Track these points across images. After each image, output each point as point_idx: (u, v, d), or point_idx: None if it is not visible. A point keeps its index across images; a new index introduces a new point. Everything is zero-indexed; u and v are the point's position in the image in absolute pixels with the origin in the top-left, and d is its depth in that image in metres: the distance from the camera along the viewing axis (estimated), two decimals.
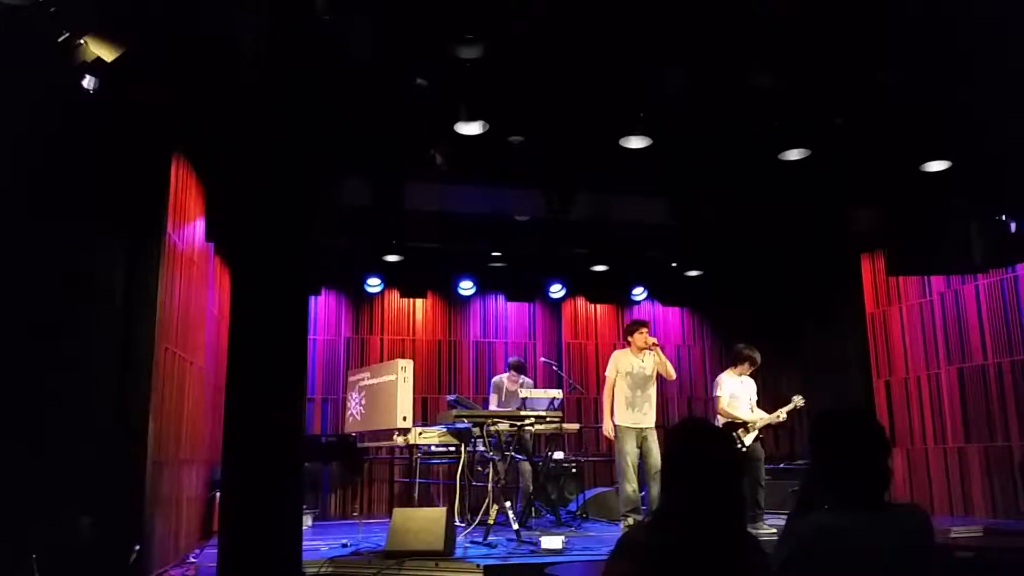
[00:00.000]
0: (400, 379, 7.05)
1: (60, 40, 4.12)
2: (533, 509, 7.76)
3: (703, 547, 2.02)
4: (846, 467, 2.23)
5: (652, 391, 7.04)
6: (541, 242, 8.60)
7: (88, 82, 4.28)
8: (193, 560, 5.76)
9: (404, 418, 7.00)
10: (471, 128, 5.92)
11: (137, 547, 4.50)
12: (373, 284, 10.01)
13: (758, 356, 7.20)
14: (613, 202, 7.74)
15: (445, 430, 7.04)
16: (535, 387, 8.79)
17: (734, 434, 6.89)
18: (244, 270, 4.28)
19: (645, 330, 7.16)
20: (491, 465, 6.81)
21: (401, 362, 7.20)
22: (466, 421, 6.75)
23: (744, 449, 6.90)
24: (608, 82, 5.65)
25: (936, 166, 6.60)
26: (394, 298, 10.39)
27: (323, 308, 10.15)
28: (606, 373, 7.16)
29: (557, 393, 7.99)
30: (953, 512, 8.10)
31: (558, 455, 8.75)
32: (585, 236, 8.42)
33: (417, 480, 7.75)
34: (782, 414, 7.11)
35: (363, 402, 8.11)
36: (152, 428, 4.85)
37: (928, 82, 5.52)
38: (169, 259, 5.24)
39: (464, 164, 6.52)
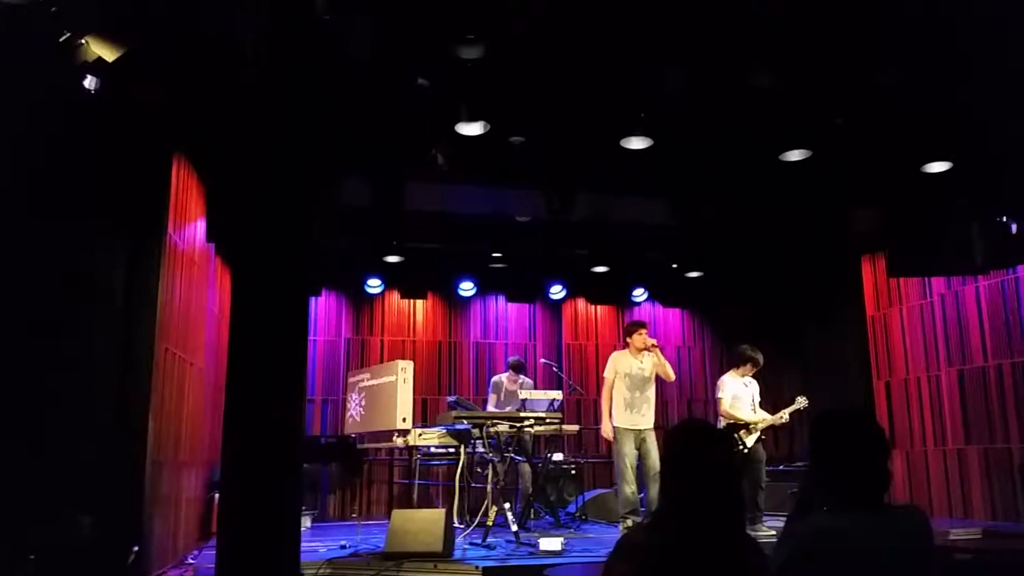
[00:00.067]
0: (400, 380, 7.05)
1: (61, 40, 4.12)
2: (532, 511, 7.76)
3: (702, 548, 2.02)
4: (845, 468, 2.23)
5: (651, 392, 7.03)
6: (542, 243, 8.60)
7: (89, 82, 4.28)
8: (192, 561, 5.75)
9: (404, 419, 6.99)
10: (472, 128, 5.92)
11: (136, 548, 4.50)
12: (373, 285, 10.00)
13: (760, 357, 7.19)
14: (613, 203, 7.74)
15: (445, 431, 7.04)
16: (535, 387, 8.79)
17: (735, 435, 6.89)
18: (244, 270, 4.28)
19: (644, 331, 7.15)
20: (490, 466, 6.80)
21: (401, 363, 7.19)
22: (466, 422, 6.75)
23: (746, 450, 6.90)
24: (608, 82, 5.65)
25: (937, 167, 6.60)
26: (394, 299, 10.39)
27: (323, 309, 10.14)
28: (605, 374, 7.15)
29: (557, 394, 7.99)
30: (952, 514, 8.09)
31: (557, 456, 8.74)
32: (585, 237, 8.42)
33: (416, 481, 7.75)
34: (785, 415, 7.10)
35: (363, 403, 8.10)
36: (151, 428, 4.85)
37: (928, 82, 5.52)
38: (170, 259, 5.24)
39: (465, 164, 6.52)
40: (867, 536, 2.13)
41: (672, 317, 11.39)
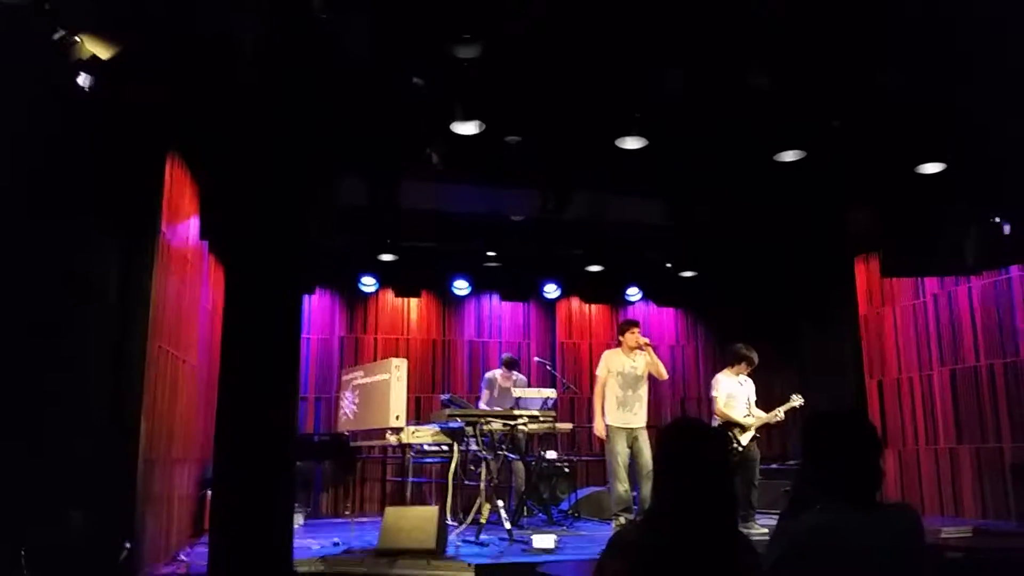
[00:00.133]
0: (394, 378, 7.04)
1: (56, 38, 4.11)
2: (525, 508, 7.76)
3: (695, 546, 2.03)
4: (838, 467, 2.24)
5: (643, 391, 7.05)
6: (536, 242, 8.61)
7: (83, 80, 4.27)
8: (184, 558, 5.74)
9: (397, 417, 6.99)
10: (467, 128, 5.91)
11: (128, 545, 4.49)
12: (368, 283, 10.00)
13: (755, 356, 7.21)
14: (608, 202, 7.74)
15: (438, 429, 7.04)
16: (528, 385, 8.80)
17: (729, 434, 6.91)
18: (238, 269, 4.28)
19: (637, 330, 7.17)
20: (484, 464, 6.81)
21: (395, 361, 7.19)
22: (459, 420, 6.75)
23: (740, 449, 6.91)
24: (605, 82, 5.65)
25: (931, 168, 6.62)
26: (389, 297, 10.39)
27: (317, 307, 10.13)
28: (597, 372, 7.17)
29: (551, 393, 7.99)
30: (944, 513, 8.13)
31: (551, 455, 8.75)
32: (580, 236, 8.43)
33: (410, 479, 7.75)
34: (780, 413, 7.11)
35: (356, 401, 8.09)
36: (144, 426, 4.84)
37: (924, 84, 5.53)
38: (163, 257, 5.23)
39: (460, 164, 6.52)
40: (859, 534, 2.14)
41: (666, 316, 11.41)
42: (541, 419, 7.13)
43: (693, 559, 2.01)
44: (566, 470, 8.90)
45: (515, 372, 8.72)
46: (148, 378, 4.89)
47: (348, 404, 8.37)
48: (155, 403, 5.14)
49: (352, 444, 8.55)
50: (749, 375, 7.28)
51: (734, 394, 7.11)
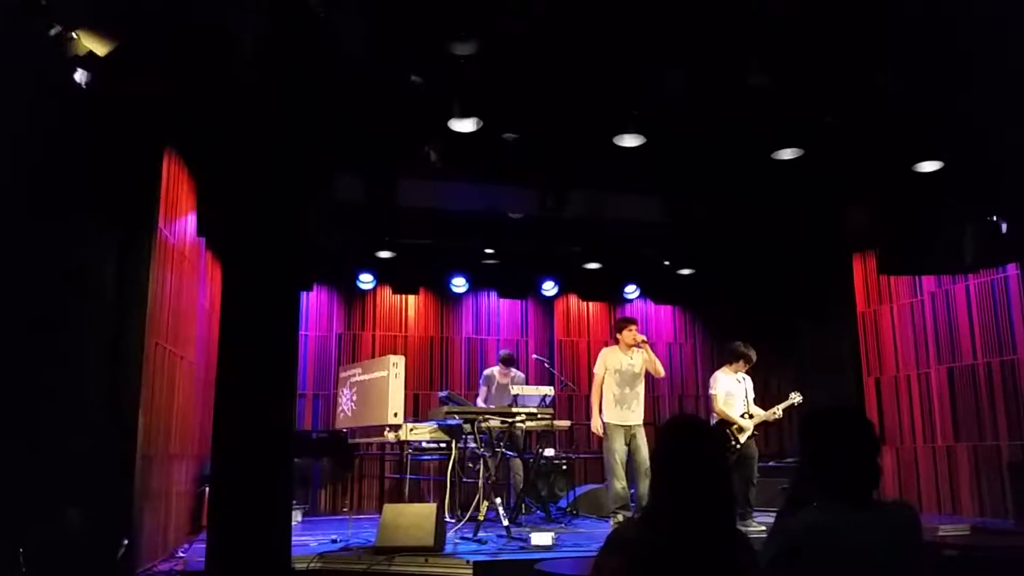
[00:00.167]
0: (391, 375, 7.04)
1: (52, 34, 4.10)
2: (523, 506, 7.77)
3: (692, 543, 2.03)
4: (836, 465, 2.24)
5: (640, 388, 7.06)
6: (534, 239, 8.61)
7: (80, 76, 4.26)
8: (182, 555, 5.74)
9: (395, 414, 6.99)
10: (465, 125, 5.91)
11: (126, 541, 4.49)
12: (366, 280, 10.00)
13: (753, 354, 7.21)
14: (606, 200, 7.74)
15: (436, 426, 7.04)
16: (526, 382, 8.80)
17: (728, 431, 6.92)
18: (236, 266, 4.27)
19: (634, 327, 7.17)
20: (482, 461, 6.81)
21: (393, 358, 7.19)
22: (457, 417, 6.75)
23: (738, 447, 6.92)
24: (603, 80, 5.64)
25: (929, 166, 6.62)
26: (386, 294, 10.39)
27: (315, 304, 10.13)
28: (595, 370, 7.18)
29: (548, 390, 7.99)
30: (941, 511, 8.14)
31: (549, 452, 8.76)
32: (578, 234, 8.42)
33: (408, 476, 7.76)
34: (778, 411, 7.11)
35: (354, 398, 8.09)
36: (142, 422, 4.84)
37: (922, 83, 5.53)
38: (160, 253, 5.22)
39: (458, 161, 6.52)
40: (857, 532, 2.14)
41: (664, 314, 11.41)
42: (539, 416, 7.13)
43: (691, 557, 2.02)
44: (564, 467, 8.91)
45: (513, 369, 8.72)
46: (145, 374, 4.89)
47: (346, 401, 8.37)
48: (153, 399, 5.13)
49: (350, 441, 8.54)
50: (747, 373, 7.29)
51: (733, 392, 7.11)
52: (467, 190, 7.49)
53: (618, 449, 6.80)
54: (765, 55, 5.15)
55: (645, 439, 6.88)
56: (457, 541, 6.06)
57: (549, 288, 10.71)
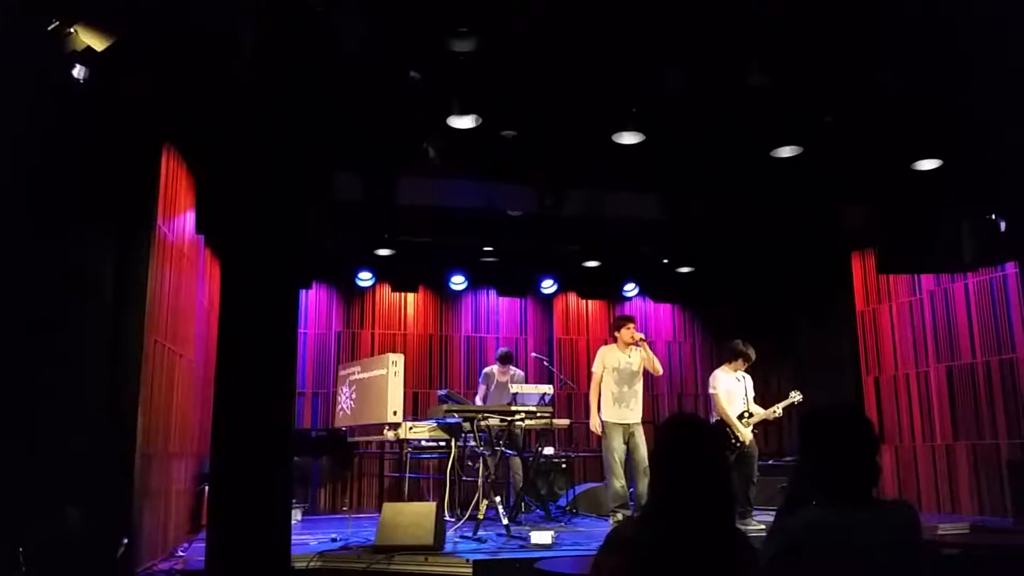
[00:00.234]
0: (391, 373, 7.04)
1: (49, 29, 4.09)
2: (523, 504, 7.77)
3: (692, 542, 2.03)
4: (835, 463, 2.24)
5: (639, 387, 7.06)
6: (533, 237, 8.60)
7: (78, 72, 4.25)
8: (182, 554, 5.74)
9: (394, 413, 6.99)
10: (464, 122, 5.90)
11: (125, 540, 4.48)
12: (365, 278, 9.99)
13: (752, 352, 7.21)
14: (606, 198, 7.74)
15: (435, 425, 7.04)
16: (525, 380, 8.80)
17: (727, 430, 6.91)
18: (235, 264, 4.27)
19: (632, 325, 7.18)
20: (481, 460, 6.81)
21: (392, 356, 7.19)
22: (457, 416, 6.75)
23: (738, 445, 6.91)
24: (602, 78, 5.64)
25: (928, 165, 6.62)
26: (385, 292, 10.38)
27: (314, 302, 10.12)
28: (593, 368, 7.18)
29: (548, 389, 7.99)
30: (940, 509, 8.14)
31: (548, 450, 8.76)
32: (577, 232, 8.43)
33: (407, 475, 7.75)
34: (778, 410, 7.11)
35: (353, 396, 8.09)
36: (141, 421, 4.83)
37: (922, 81, 5.53)
38: (159, 251, 5.21)
39: (457, 158, 6.51)
40: (856, 531, 2.14)
41: (663, 312, 11.41)
42: (538, 415, 7.13)
43: (690, 555, 2.01)
44: (563, 466, 8.91)
45: (512, 367, 8.72)
46: (145, 373, 4.89)
47: (345, 400, 8.37)
48: (152, 398, 5.13)
49: (349, 440, 8.54)
50: (747, 371, 7.29)
51: (732, 390, 7.12)
52: (466, 188, 7.48)
53: (617, 448, 6.80)
54: (765, 54, 5.15)
55: (644, 438, 6.88)
56: (457, 540, 6.06)
57: (548, 286, 10.70)
